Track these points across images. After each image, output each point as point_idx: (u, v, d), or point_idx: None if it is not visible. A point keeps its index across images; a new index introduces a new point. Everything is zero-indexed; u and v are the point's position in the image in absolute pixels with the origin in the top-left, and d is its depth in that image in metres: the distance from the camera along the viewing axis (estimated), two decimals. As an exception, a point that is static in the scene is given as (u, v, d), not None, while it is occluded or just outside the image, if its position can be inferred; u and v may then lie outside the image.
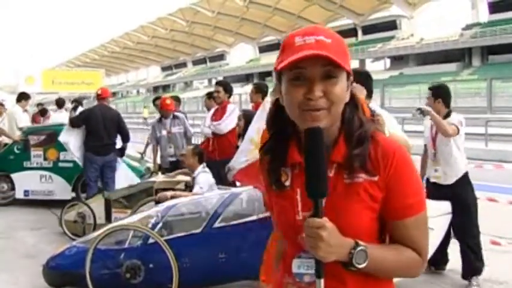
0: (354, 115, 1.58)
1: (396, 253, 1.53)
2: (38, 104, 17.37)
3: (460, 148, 5.69)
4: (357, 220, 1.51)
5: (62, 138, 8.65)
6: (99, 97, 8.93)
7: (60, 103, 14.28)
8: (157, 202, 6.32)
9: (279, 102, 1.62)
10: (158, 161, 9.04)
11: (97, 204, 7.41)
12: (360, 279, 1.52)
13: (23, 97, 11.99)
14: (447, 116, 5.64)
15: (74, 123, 8.66)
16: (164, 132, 8.76)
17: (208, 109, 8.95)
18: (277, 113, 1.65)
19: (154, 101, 10.35)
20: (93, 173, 8.51)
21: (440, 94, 5.68)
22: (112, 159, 8.67)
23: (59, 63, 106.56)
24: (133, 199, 7.42)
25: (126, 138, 9.01)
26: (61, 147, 9.44)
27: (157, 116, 9.51)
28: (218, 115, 7.90)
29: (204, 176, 6.45)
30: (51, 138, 9.63)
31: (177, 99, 10.31)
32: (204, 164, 6.64)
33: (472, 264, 5.40)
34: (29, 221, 8.73)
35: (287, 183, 1.60)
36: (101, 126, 8.51)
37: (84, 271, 4.72)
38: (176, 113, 8.99)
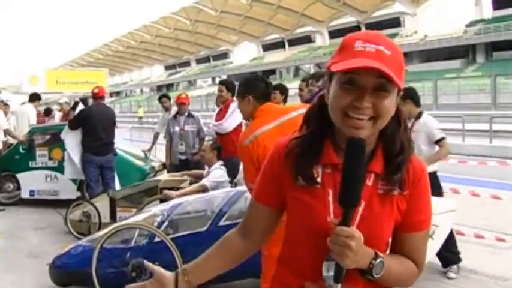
0: (395, 133, 1.58)
1: (400, 263, 1.59)
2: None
3: (433, 147, 5.73)
4: (386, 230, 1.57)
5: (62, 135, 8.67)
6: (96, 96, 8.88)
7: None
8: (162, 201, 6.34)
9: (323, 100, 1.61)
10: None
11: (102, 203, 7.42)
12: (373, 285, 1.56)
13: (36, 98, 12.16)
14: (419, 116, 5.71)
15: (73, 125, 8.56)
16: (177, 129, 8.82)
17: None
18: (319, 110, 1.63)
19: (160, 98, 10.38)
20: (93, 172, 8.43)
21: (407, 95, 5.72)
22: (111, 159, 8.60)
23: (63, 63, 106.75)
24: (138, 198, 7.44)
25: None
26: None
27: (160, 114, 9.54)
28: (222, 114, 7.86)
29: (218, 172, 6.46)
30: (55, 138, 9.61)
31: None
32: (222, 162, 6.65)
33: (445, 257, 5.59)
34: (33, 220, 8.74)
35: (317, 181, 1.58)
36: (100, 126, 8.46)
37: (90, 270, 4.73)
38: (192, 112, 9.04)
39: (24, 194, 9.94)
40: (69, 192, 9.51)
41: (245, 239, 1.77)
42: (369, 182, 1.53)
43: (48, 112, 15.29)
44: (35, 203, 9.86)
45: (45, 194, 9.84)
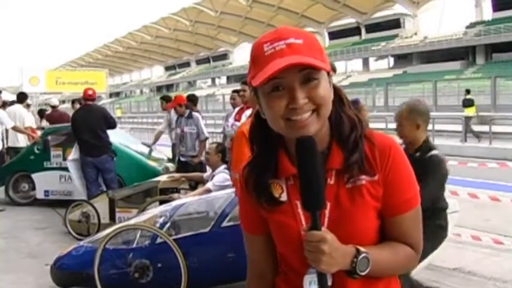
0: (341, 115, 1.50)
1: (392, 251, 1.50)
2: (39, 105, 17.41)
3: None
4: (363, 224, 1.47)
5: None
6: (86, 98, 8.85)
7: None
8: (162, 202, 6.35)
9: (259, 116, 1.53)
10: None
11: (101, 203, 7.44)
12: (362, 283, 1.48)
13: (25, 97, 12.06)
14: None
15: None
16: (178, 130, 8.83)
17: (234, 107, 8.82)
18: (259, 126, 1.55)
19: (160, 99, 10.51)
20: (90, 172, 8.43)
21: None
22: (105, 161, 8.48)
23: (63, 63, 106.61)
24: (137, 198, 7.46)
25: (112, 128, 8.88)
26: None
27: (160, 114, 9.53)
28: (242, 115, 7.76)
29: (221, 175, 6.43)
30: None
31: (191, 99, 10.29)
32: (226, 166, 6.63)
33: None
34: (33, 220, 8.77)
35: (283, 196, 1.51)
36: (84, 128, 8.41)
37: (92, 271, 4.75)
38: (193, 113, 9.00)
39: (39, 195, 9.95)
40: (83, 192, 9.45)
41: (262, 279, 1.70)
42: (331, 180, 1.46)
43: (42, 113, 15.34)
44: (35, 203, 9.89)
45: (59, 194, 9.82)
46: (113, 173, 8.61)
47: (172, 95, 11.60)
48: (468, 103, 21.37)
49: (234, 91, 8.97)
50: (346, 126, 1.49)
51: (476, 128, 19.93)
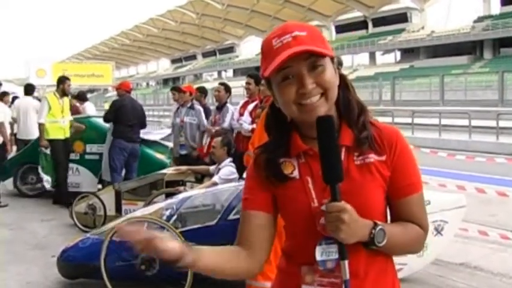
0: (349, 98, 1.64)
1: (404, 228, 1.60)
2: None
3: None
4: (371, 199, 1.58)
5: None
6: (126, 90, 9.38)
7: (82, 97, 14.04)
8: (168, 194, 6.35)
9: (274, 105, 1.67)
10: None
11: (107, 196, 7.44)
12: (367, 259, 1.57)
13: (32, 89, 12.10)
14: None
15: (108, 118, 9.06)
16: (178, 120, 8.86)
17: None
18: (273, 115, 1.69)
19: (170, 90, 10.57)
20: (121, 160, 8.79)
21: None
22: (138, 149, 9.01)
23: (70, 56, 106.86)
24: (143, 191, 7.46)
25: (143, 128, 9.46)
26: (88, 140, 9.63)
27: (166, 107, 9.54)
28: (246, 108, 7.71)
29: (227, 169, 6.43)
30: (77, 131, 9.71)
31: (202, 91, 10.28)
32: (231, 159, 6.60)
33: None
34: (39, 212, 8.80)
35: (295, 173, 1.62)
36: (131, 117, 8.88)
37: (98, 263, 4.75)
38: (195, 104, 9.02)
39: (47, 186, 9.93)
40: (91, 185, 9.49)
41: (249, 252, 1.69)
42: (342, 155, 1.56)
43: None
44: (41, 194, 9.90)
45: (67, 186, 9.82)
46: (137, 162, 9.07)
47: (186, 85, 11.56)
48: None
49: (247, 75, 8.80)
50: (355, 111, 1.62)
51: (483, 123, 19.85)
